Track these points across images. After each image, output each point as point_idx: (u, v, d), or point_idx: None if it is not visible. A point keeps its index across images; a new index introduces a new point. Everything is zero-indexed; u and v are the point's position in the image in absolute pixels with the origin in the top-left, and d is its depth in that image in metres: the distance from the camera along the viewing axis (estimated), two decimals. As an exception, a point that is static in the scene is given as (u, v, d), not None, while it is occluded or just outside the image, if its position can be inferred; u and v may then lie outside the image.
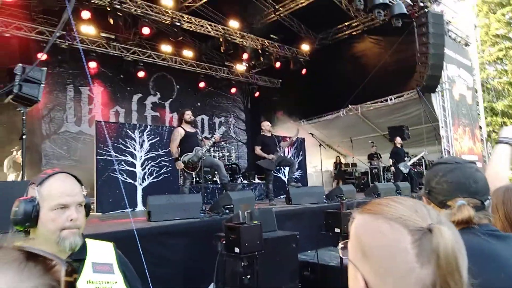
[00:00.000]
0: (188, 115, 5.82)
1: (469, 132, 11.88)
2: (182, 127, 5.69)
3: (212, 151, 10.11)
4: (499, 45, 21.88)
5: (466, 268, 0.62)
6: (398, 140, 9.59)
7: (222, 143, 11.30)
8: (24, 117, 4.66)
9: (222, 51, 11.35)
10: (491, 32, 21.89)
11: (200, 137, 5.85)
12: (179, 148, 5.66)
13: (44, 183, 1.27)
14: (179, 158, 5.56)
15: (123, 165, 6.71)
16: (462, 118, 11.61)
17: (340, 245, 0.72)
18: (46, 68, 4.95)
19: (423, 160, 11.25)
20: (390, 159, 9.53)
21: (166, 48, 11.64)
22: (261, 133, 7.21)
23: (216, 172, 5.96)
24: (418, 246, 0.59)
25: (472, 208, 1.16)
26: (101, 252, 1.41)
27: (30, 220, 1.22)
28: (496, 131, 20.63)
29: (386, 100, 11.51)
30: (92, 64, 10.20)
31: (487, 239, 1.14)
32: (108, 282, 1.35)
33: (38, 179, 1.28)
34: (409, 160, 9.54)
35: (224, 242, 3.43)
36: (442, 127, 10.62)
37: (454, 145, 10.59)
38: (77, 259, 1.32)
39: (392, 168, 9.55)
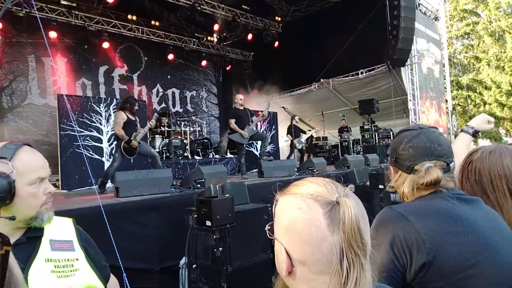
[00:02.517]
0: (136, 106, 5.77)
1: (435, 105, 12.22)
2: (126, 113, 5.56)
3: (182, 125, 9.91)
4: (467, 20, 22.35)
5: (367, 231, 0.73)
6: (296, 118, 9.98)
7: (193, 117, 11.11)
8: (-23, 89, 4.35)
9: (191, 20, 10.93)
10: (460, 7, 22.28)
11: (138, 126, 5.79)
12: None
13: (15, 157, 1.18)
14: (131, 139, 5.45)
15: (89, 141, 6.47)
16: (429, 91, 11.89)
17: (267, 227, 0.79)
18: (0, 37, 4.59)
19: (391, 132, 11.54)
20: (288, 135, 9.84)
21: (132, 17, 11.11)
22: (234, 106, 7.11)
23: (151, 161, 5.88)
24: (329, 217, 0.69)
25: (440, 170, 1.17)
26: (60, 228, 1.33)
27: (9, 197, 1.14)
28: (461, 104, 21.39)
29: (357, 74, 11.60)
30: (53, 34, 9.60)
31: (455, 203, 1.17)
32: (68, 260, 1.28)
33: (6, 153, 1.17)
34: (304, 136, 9.98)
35: (195, 216, 3.39)
36: (410, 100, 10.85)
37: (421, 118, 10.88)
38: (33, 236, 1.24)
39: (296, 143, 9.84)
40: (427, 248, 1.07)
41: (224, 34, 13.73)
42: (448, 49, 16.07)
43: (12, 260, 0.43)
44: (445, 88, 13.79)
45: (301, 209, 0.72)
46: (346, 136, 11.66)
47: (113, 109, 6.88)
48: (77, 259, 1.30)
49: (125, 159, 5.51)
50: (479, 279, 1.06)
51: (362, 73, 11.46)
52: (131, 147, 5.46)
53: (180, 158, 8.74)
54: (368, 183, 5.56)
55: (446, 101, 13.61)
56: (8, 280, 0.41)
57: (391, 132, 11.52)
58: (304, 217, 0.71)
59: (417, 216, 1.13)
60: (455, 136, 14.22)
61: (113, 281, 1.48)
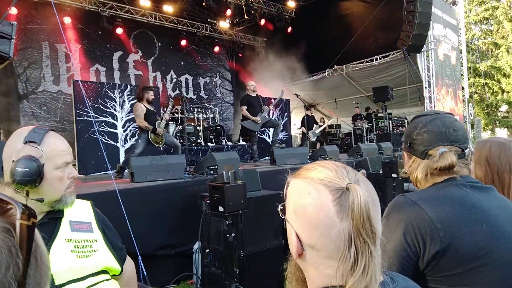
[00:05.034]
0: (152, 95, 5.74)
1: (451, 92, 11.99)
2: (143, 104, 5.56)
3: (195, 112, 9.95)
4: (486, 4, 21.70)
5: (378, 219, 0.72)
6: (311, 109, 10.18)
7: (206, 104, 11.14)
8: (-5, 75, 4.42)
9: (204, 5, 10.85)
10: (479, -9, 21.63)
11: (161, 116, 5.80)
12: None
13: (43, 141, 1.22)
14: (155, 127, 5.51)
15: (104, 126, 6.56)
16: (445, 78, 11.66)
17: (280, 207, 0.80)
18: (16, 23, 4.65)
19: (405, 120, 11.40)
20: (302, 128, 9.86)
21: (145, 3, 11.10)
22: (246, 93, 7.10)
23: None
24: (338, 203, 0.69)
25: (455, 155, 1.16)
26: (79, 210, 1.37)
27: (38, 180, 1.18)
28: (478, 92, 20.93)
29: (372, 60, 11.42)
30: (67, 20, 9.67)
31: (469, 191, 1.15)
32: (87, 241, 1.32)
33: (36, 137, 1.21)
34: (318, 128, 9.99)
35: (208, 201, 3.43)
36: (425, 87, 10.67)
37: (436, 106, 10.71)
38: (53, 217, 1.28)
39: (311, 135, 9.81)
40: (440, 236, 1.07)
41: (237, 20, 13.61)
42: (466, 34, 15.65)
43: (37, 232, 0.46)
44: (462, 75, 13.50)
45: (311, 195, 0.72)
46: (359, 124, 11.55)
47: (127, 95, 6.94)
48: (95, 240, 1.34)
49: (150, 146, 5.61)
50: (492, 267, 1.06)
51: (376, 59, 11.28)
52: (157, 135, 5.55)
53: (193, 144, 8.80)
54: (381, 172, 5.53)
55: (463, 88, 13.33)
56: (34, 250, 0.44)
57: (406, 120, 11.38)
58: (313, 202, 0.71)
59: (431, 204, 1.12)
60: (472, 125, 13.97)
61: (129, 262, 1.52)
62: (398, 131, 11.02)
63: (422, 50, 10.26)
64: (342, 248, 0.69)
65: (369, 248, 0.68)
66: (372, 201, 0.70)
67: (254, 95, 6.99)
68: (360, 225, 0.67)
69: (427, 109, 10.56)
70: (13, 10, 8.37)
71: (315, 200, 0.71)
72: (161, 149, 6.07)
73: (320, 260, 0.72)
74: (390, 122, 11.34)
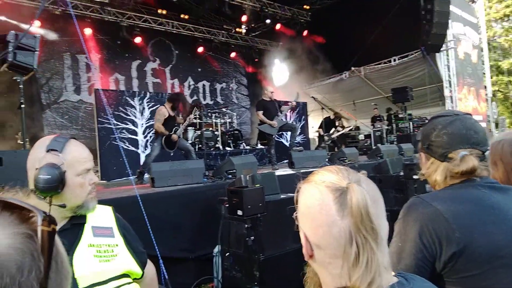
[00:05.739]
0: (185, 107, 5.89)
1: (473, 92, 11.70)
2: (167, 109, 5.64)
3: (213, 117, 10.04)
4: (506, 1, 21.12)
5: (379, 216, 0.73)
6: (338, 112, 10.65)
7: (223, 109, 11.21)
8: (21, 85, 4.58)
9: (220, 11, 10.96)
10: (499, -13, 21.08)
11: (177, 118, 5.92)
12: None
13: (65, 149, 1.27)
14: (171, 133, 5.59)
15: (124, 133, 6.71)
16: (467, 77, 11.39)
17: (295, 215, 0.83)
18: (39, 35, 4.82)
19: (426, 121, 11.16)
20: (319, 129, 10.07)
21: (162, 12, 11.30)
22: (261, 98, 7.12)
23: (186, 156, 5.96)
24: (338, 202, 0.73)
25: (476, 158, 1.15)
26: (101, 216, 1.41)
27: (60, 186, 1.23)
28: (502, 90, 20.33)
29: (390, 61, 11.27)
30: (88, 31, 9.95)
31: (488, 192, 1.13)
32: (109, 245, 1.36)
33: (57, 145, 1.26)
34: (336, 133, 10.22)
35: (227, 205, 3.46)
36: (446, 87, 10.44)
37: (458, 106, 10.46)
38: (76, 223, 1.33)
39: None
40: (457, 237, 1.05)
41: (253, 25, 13.68)
42: (486, 32, 15.26)
43: (58, 239, 0.49)
44: (484, 73, 13.15)
45: (314, 196, 0.76)
46: (379, 126, 11.39)
47: (146, 102, 7.07)
48: (116, 245, 1.38)
49: (164, 150, 5.69)
50: (511, 268, 1.04)
51: (394, 60, 11.13)
52: (171, 140, 5.62)
53: (211, 149, 8.87)
54: (402, 173, 5.44)
55: (485, 87, 12.99)
56: (55, 255, 0.47)
57: (426, 121, 11.14)
58: (316, 202, 0.75)
59: (446, 205, 1.11)
60: (496, 125, 13.58)
61: (150, 266, 1.55)
62: (416, 132, 10.81)
63: (442, 49, 10.07)
64: (344, 245, 0.71)
65: (370, 245, 0.70)
66: (372, 199, 0.73)
67: (269, 100, 7.00)
68: (359, 221, 0.70)
69: (448, 109, 10.34)
70: (36, 23, 8.67)
71: (317, 200, 0.75)
72: (182, 153, 6.16)
73: (328, 260, 0.75)
74: (411, 123, 11.14)
